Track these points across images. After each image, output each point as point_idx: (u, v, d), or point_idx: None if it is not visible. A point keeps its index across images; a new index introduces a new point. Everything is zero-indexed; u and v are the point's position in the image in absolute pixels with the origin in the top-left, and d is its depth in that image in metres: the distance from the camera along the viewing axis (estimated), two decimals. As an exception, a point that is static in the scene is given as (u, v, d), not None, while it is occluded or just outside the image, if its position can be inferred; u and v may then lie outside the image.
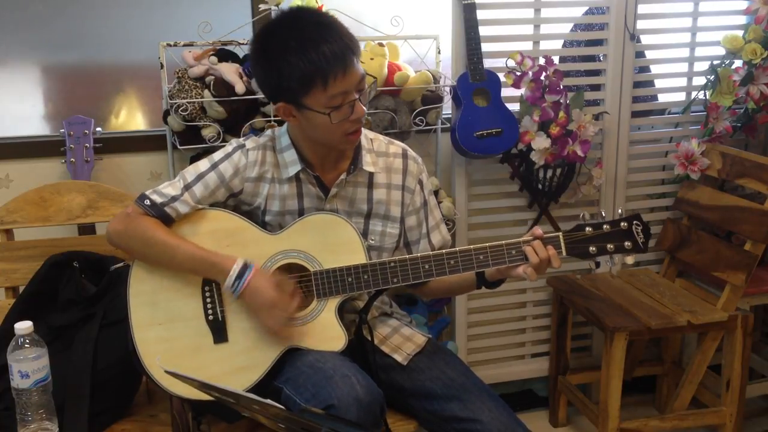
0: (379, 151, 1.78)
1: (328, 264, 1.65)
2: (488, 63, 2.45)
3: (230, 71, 2.20)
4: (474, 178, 2.63)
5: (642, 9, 2.61)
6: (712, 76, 2.67)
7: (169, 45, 2.23)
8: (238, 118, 2.23)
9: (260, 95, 2.18)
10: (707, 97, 2.69)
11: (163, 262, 1.65)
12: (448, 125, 2.49)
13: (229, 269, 1.59)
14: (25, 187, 2.07)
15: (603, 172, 2.64)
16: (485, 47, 2.43)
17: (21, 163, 2.32)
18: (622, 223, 1.62)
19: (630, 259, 1.63)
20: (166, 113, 2.25)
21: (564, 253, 1.62)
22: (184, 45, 2.25)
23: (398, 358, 1.75)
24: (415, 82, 2.36)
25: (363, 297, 1.77)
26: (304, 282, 1.66)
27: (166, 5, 2.45)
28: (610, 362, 2.37)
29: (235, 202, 1.73)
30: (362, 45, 2.13)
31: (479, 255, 1.62)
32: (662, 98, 2.80)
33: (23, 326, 1.48)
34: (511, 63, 2.47)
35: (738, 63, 2.65)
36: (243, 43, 2.29)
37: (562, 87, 2.44)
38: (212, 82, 2.19)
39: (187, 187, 1.67)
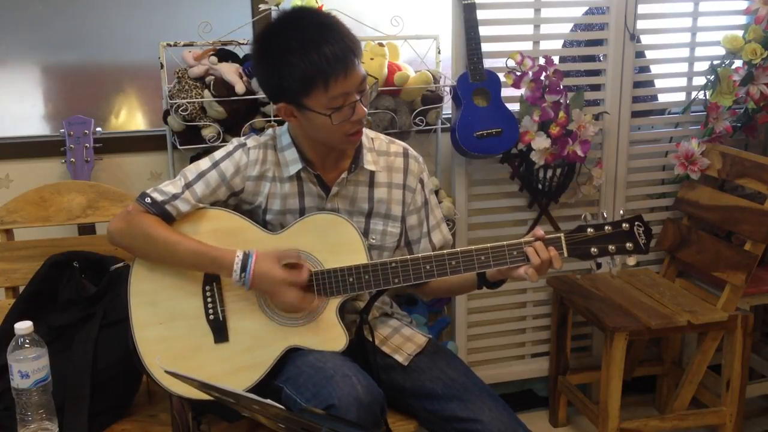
0: (380, 150, 1.78)
1: (329, 264, 1.65)
2: (488, 63, 2.45)
3: (230, 71, 2.20)
4: (474, 178, 2.63)
5: (642, 9, 2.61)
6: (712, 76, 2.67)
7: (169, 45, 2.23)
8: (238, 118, 2.23)
9: (260, 95, 2.18)
10: (707, 97, 2.69)
11: (165, 258, 1.65)
12: (448, 125, 2.49)
13: (231, 263, 1.59)
14: (25, 187, 2.07)
15: (603, 172, 2.64)
16: (485, 47, 2.43)
17: (21, 163, 2.32)
18: (623, 225, 1.62)
19: (631, 260, 1.63)
20: (166, 113, 2.25)
21: (565, 254, 1.62)
22: (184, 45, 2.25)
23: (399, 358, 1.75)
24: (415, 82, 2.36)
25: (364, 297, 1.77)
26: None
27: (166, 5, 2.45)
28: (610, 362, 2.37)
29: (236, 201, 1.73)
30: (362, 45, 2.13)
31: (480, 256, 1.62)
32: (662, 98, 2.80)
33: (23, 326, 1.48)
34: (511, 63, 2.47)
35: (738, 63, 2.65)
36: (243, 43, 2.29)
37: (562, 87, 2.44)
38: (212, 82, 2.19)
39: (188, 186, 1.67)
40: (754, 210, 2.39)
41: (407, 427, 1.75)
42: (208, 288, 1.66)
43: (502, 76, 2.46)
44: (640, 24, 2.63)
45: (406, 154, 1.80)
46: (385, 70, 2.30)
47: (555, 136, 2.45)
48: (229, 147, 1.72)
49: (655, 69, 2.75)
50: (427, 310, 2.56)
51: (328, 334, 1.64)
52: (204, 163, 1.70)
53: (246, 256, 1.60)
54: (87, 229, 2.12)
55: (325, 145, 1.68)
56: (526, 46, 2.57)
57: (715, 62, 2.68)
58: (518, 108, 2.51)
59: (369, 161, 1.74)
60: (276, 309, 1.66)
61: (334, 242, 1.66)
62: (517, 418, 1.66)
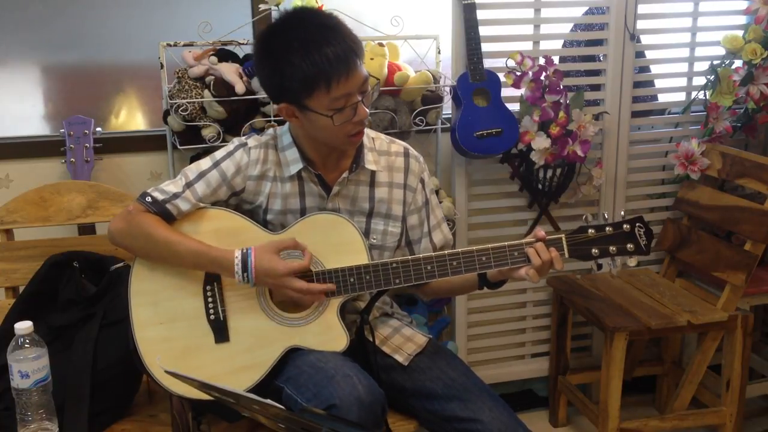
0: (381, 149, 1.78)
1: (330, 264, 1.65)
2: (488, 63, 2.45)
3: (230, 71, 2.19)
4: (474, 178, 2.63)
5: (642, 9, 2.61)
6: (712, 76, 2.67)
7: (169, 45, 2.23)
8: (238, 118, 2.23)
9: (260, 95, 2.18)
10: (707, 97, 2.69)
11: (165, 258, 1.65)
12: (448, 125, 2.49)
13: (232, 264, 1.59)
14: (25, 187, 2.07)
15: (603, 172, 2.64)
16: (485, 47, 2.43)
17: (21, 163, 2.32)
18: (624, 226, 1.62)
19: (632, 261, 1.63)
20: (166, 113, 2.25)
21: (566, 254, 1.62)
22: (184, 45, 2.25)
23: (399, 358, 1.75)
24: (415, 82, 2.36)
25: (364, 297, 1.77)
26: (306, 279, 1.66)
27: (166, 5, 2.45)
28: (610, 362, 2.37)
29: (237, 200, 1.73)
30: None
31: (481, 256, 1.62)
32: (662, 98, 2.80)
33: (23, 326, 1.48)
34: (511, 63, 2.47)
35: (738, 63, 2.65)
36: (243, 43, 2.29)
37: (562, 87, 2.44)
38: (212, 82, 2.19)
39: (189, 185, 1.67)
40: (754, 210, 2.39)
41: (407, 427, 1.75)
42: (208, 288, 1.66)
43: (502, 76, 2.46)
44: (640, 24, 2.63)
45: (406, 154, 1.80)
46: (385, 70, 2.31)
47: (555, 136, 2.45)
48: (230, 147, 1.72)
49: (655, 69, 2.75)
50: (427, 310, 2.56)
51: (328, 334, 1.64)
52: (205, 162, 1.70)
53: (245, 255, 1.60)
54: (87, 229, 2.12)
55: (327, 145, 1.68)
56: (526, 46, 2.57)
57: (715, 62, 2.68)
58: (518, 108, 2.51)
59: (370, 161, 1.74)
60: (277, 308, 1.66)
61: (335, 242, 1.66)
62: (517, 418, 1.66)
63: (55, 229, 2.11)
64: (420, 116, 2.40)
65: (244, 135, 2.03)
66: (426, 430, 1.75)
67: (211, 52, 2.25)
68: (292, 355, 1.64)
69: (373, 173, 1.75)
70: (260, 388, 1.61)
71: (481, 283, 1.71)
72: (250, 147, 1.70)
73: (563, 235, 1.62)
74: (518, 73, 2.46)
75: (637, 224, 1.62)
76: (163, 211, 1.65)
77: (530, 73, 2.43)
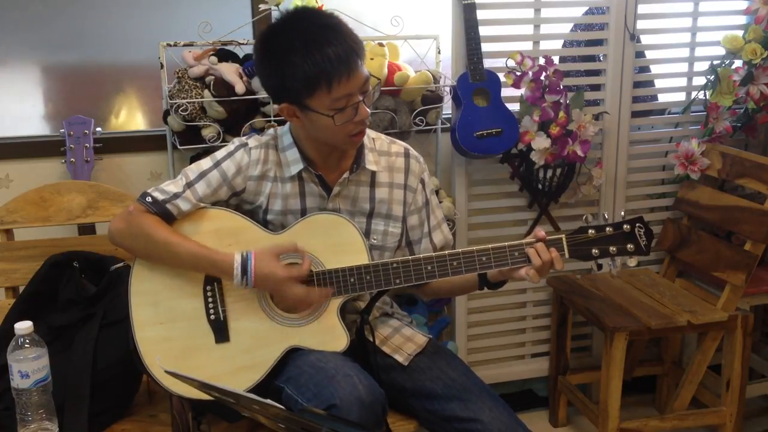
0: (381, 150, 1.78)
1: (330, 264, 1.65)
2: (488, 63, 2.45)
3: (230, 71, 2.19)
4: (474, 178, 2.63)
5: (642, 9, 2.61)
6: (712, 76, 2.67)
7: (169, 45, 2.23)
8: (238, 118, 2.23)
9: (260, 95, 2.18)
10: (707, 97, 2.69)
11: (165, 260, 1.65)
12: (448, 125, 2.49)
13: (231, 267, 1.59)
14: (25, 187, 2.07)
15: (603, 172, 2.64)
16: (485, 47, 2.43)
17: (21, 163, 2.32)
18: (624, 226, 1.62)
19: (632, 262, 1.63)
20: (166, 113, 2.25)
21: (567, 255, 1.62)
22: (184, 45, 2.25)
23: (399, 358, 1.75)
24: (415, 82, 2.36)
25: (364, 297, 1.77)
26: (306, 282, 1.66)
27: (166, 5, 2.45)
28: (610, 362, 2.37)
29: (237, 200, 1.72)
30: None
31: (482, 256, 1.62)
32: (662, 98, 2.80)
33: (23, 326, 1.48)
34: (511, 63, 2.47)
35: (738, 63, 2.65)
36: (243, 43, 2.29)
37: (562, 87, 2.44)
38: (212, 82, 2.19)
39: (189, 185, 1.66)
40: (754, 210, 2.39)
41: (407, 427, 1.75)
42: (209, 288, 1.66)
43: (502, 76, 2.46)
44: (640, 24, 2.63)
45: (407, 155, 1.80)
46: (385, 70, 2.30)
47: (555, 136, 2.45)
48: (231, 147, 1.72)
49: (655, 69, 2.75)
50: (427, 310, 2.56)
51: (329, 335, 1.64)
52: (205, 162, 1.70)
53: (245, 259, 1.59)
54: (87, 229, 2.12)
55: (328, 145, 1.68)
56: (526, 46, 2.57)
57: (715, 62, 2.68)
58: (518, 108, 2.51)
59: (370, 161, 1.74)
60: (277, 309, 1.66)
61: (335, 242, 1.66)
62: (517, 418, 1.66)
63: (55, 229, 2.11)
64: (420, 116, 2.40)
65: (244, 135, 2.03)
66: (426, 430, 1.75)
67: (211, 52, 2.25)
68: (292, 355, 1.64)
69: (373, 174, 1.75)
70: (260, 388, 1.61)
71: (481, 284, 1.71)
72: (251, 147, 1.70)
73: (563, 236, 1.62)
74: (518, 73, 2.46)
75: (637, 224, 1.62)
76: (163, 212, 1.65)
77: (530, 73, 2.43)
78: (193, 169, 1.69)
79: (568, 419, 2.80)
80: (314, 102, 1.56)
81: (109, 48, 2.43)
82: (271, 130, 1.76)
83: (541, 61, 2.45)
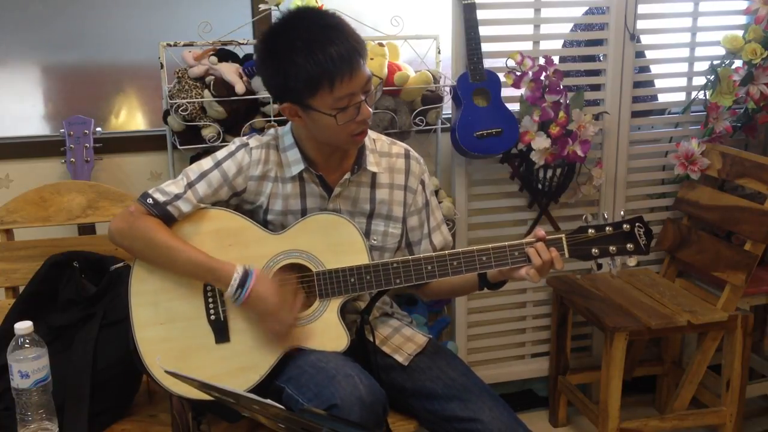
0: (382, 151, 1.78)
1: (330, 264, 1.65)
2: (488, 63, 2.45)
3: (230, 71, 2.19)
4: (474, 178, 2.63)
5: (642, 9, 2.61)
6: (712, 76, 2.67)
7: (169, 45, 2.23)
8: (238, 118, 2.23)
9: (260, 95, 2.18)
10: (707, 97, 2.69)
11: (164, 264, 1.64)
12: (448, 125, 2.49)
13: (229, 277, 1.58)
14: (25, 187, 2.06)
15: (603, 172, 2.64)
16: (485, 47, 2.43)
17: (21, 163, 2.32)
18: (624, 225, 1.63)
19: (632, 261, 1.64)
20: (166, 113, 2.25)
21: (567, 254, 1.62)
22: (184, 45, 2.24)
23: (399, 358, 1.75)
24: (415, 82, 2.36)
25: (364, 297, 1.77)
26: (306, 282, 1.66)
27: (166, 5, 2.45)
28: (610, 362, 2.37)
29: (237, 200, 1.72)
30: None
31: (482, 256, 1.62)
32: (662, 98, 2.80)
33: (23, 326, 1.48)
34: (511, 63, 2.47)
35: (738, 63, 2.65)
36: (243, 43, 2.29)
37: (562, 87, 2.44)
38: (212, 82, 2.19)
39: (190, 185, 1.66)
40: (754, 210, 2.39)
41: (407, 427, 1.75)
42: (209, 288, 1.66)
43: (502, 76, 2.46)
44: (640, 24, 2.63)
45: (407, 156, 1.80)
46: (385, 70, 2.30)
47: (555, 136, 2.45)
48: (232, 147, 1.71)
49: (655, 69, 2.75)
50: (427, 310, 2.56)
51: (329, 335, 1.64)
52: (206, 162, 1.70)
53: (246, 274, 1.59)
54: (87, 229, 2.12)
55: (329, 146, 1.68)
56: (526, 46, 2.57)
57: (715, 62, 2.68)
58: (518, 108, 2.51)
59: (371, 162, 1.74)
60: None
61: (335, 242, 1.66)
62: (518, 417, 1.66)
63: (55, 229, 2.11)
64: (420, 116, 2.40)
65: (244, 135, 2.03)
66: (426, 430, 1.75)
67: (211, 52, 2.25)
68: (292, 355, 1.64)
69: (374, 175, 1.75)
70: (261, 388, 1.61)
71: (481, 284, 1.71)
72: (252, 147, 1.70)
73: (563, 235, 1.62)
74: (518, 73, 2.46)
75: (637, 224, 1.63)
76: (164, 214, 1.64)
77: (530, 73, 2.43)
78: (194, 170, 1.69)
79: (568, 419, 2.80)
80: (316, 102, 1.56)
81: (109, 48, 2.43)
82: (272, 130, 1.76)
83: (541, 61, 2.45)
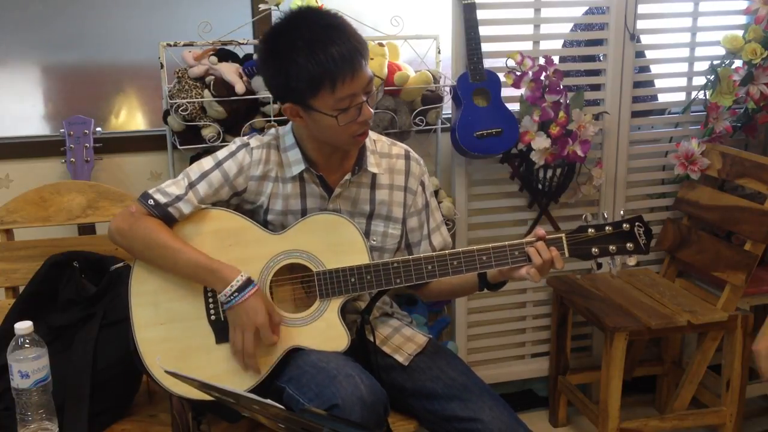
0: (382, 152, 1.78)
1: (330, 264, 1.65)
2: (488, 63, 2.45)
3: (230, 71, 2.19)
4: (474, 178, 2.63)
5: (642, 9, 2.61)
6: (712, 76, 2.67)
7: (169, 45, 2.23)
8: (238, 118, 2.23)
9: (260, 95, 2.18)
10: (707, 97, 2.69)
11: (165, 265, 1.64)
12: (448, 125, 2.49)
13: (230, 279, 1.58)
14: (25, 187, 2.06)
15: (603, 172, 2.64)
16: (485, 47, 2.43)
17: (21, 163, 2.32)
18: (624, 225, 1.63)
19: (632, 261, 1.64)
20: (166, 113, 2.25)
21: (567, 254, 1.62)
22: (184, 45, 2.24)
23: (399, 358, 1.75)
24: (415, 82, 2.35)
25: (365, 297, 1.77)
26: (306, 282, 1.66)
27: (166, 5, 2.45)
28: (610, 362, 2.37)
29: (238, 200, 1.72)
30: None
31: (482, 256, 1.62)
32: (662, 98, 2.80)
33: (23, 326, 1.48)
34: (511, 63, 2.47)
35: (738, 63, 2.65)
36: (243, 43, 2.29)
37: (562, 87, 2.44)
38: (212, 82, 2.19)
39: (191, 186, 1.66)
40: (754, 210, 2.39)
41: (407, 427, 1.75)
42: (209, 288, 1.66)
43: (502, 76, 2.46)
44: (640, 24, 2.63)
45: (407, 156, 1.80)
46: (385, 70, 2.30)
47: (555, 136, 2.45)
48: (232, 147, 1.71)
49: (655, 69, 2.75)
50: (427, 310, 2.56)
51: (329, 335, 1.64)
52: (207, 162, 1.70)
53: (248, 282, 1.58)
54: (87, 229, 2.12)
55: (330, 146, 1.68)
56: (526, 46, 2.57)
57: (715, 62, 2.68)
58: (518, 108, 2.51)
59: (372, 163, 1.74)
60: (278, 309, 1.65)
61: (335, 242, 1.66)
62: (518, 417, 1.66)
63: (55, 229, 2.11)
64: (420, 116, 2.40)
65: (244, 135, 2.03)
66: (426, 430, 1.75)
67: (211, 52, 2.25)
68: (293, 355, 1.64)
69: (374, 175, 1.75)
70: (261, 388, 1.61)
71: (481, 285, 1.71)
72: (253, 147, 1.70)
73: (563, 235, 1.63)
74: (518, 73, 2.46)
75: (637, 224, 1.63)
76: (164, 215, 1.64)
77: (530, 73, 2.43)
78: (194, 170, 1.69)
79: (568, 419, 2.80)
80: (318, 102, 1.56)
81: (109, 48, 2.43)
82: (272, 130, 1.76)
83: (541, 61, 2.45)
